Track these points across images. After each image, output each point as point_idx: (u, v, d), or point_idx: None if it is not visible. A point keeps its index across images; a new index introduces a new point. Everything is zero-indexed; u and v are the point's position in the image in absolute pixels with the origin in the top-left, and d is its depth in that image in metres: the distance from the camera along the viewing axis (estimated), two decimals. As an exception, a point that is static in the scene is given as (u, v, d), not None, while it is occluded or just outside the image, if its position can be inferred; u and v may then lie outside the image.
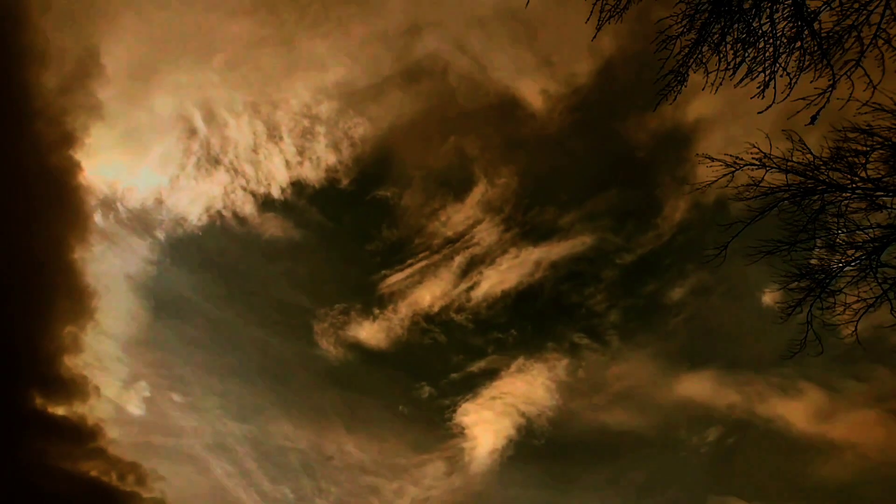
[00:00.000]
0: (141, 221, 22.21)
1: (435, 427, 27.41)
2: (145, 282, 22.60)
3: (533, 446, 27.62)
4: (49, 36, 19.56)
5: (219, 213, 23.10)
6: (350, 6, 21.89)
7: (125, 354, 22.82)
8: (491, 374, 27.96)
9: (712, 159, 6.77)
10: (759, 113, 4.33)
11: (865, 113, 5.98)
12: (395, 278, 26.42)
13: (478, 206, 26.27)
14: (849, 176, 6.11)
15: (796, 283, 6.99)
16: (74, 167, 20.86)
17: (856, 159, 6.27)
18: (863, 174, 6.14)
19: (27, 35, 19.28)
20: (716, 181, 6.59)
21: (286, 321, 26.58)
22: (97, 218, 21.62)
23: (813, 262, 6.87)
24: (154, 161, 22.06)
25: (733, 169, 6.58)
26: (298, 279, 26.71)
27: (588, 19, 4.83)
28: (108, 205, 21.71)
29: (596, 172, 26.68)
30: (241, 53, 21.91)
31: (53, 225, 20.23)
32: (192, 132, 21.96)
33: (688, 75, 4.55)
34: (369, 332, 26.50)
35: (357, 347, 26.69)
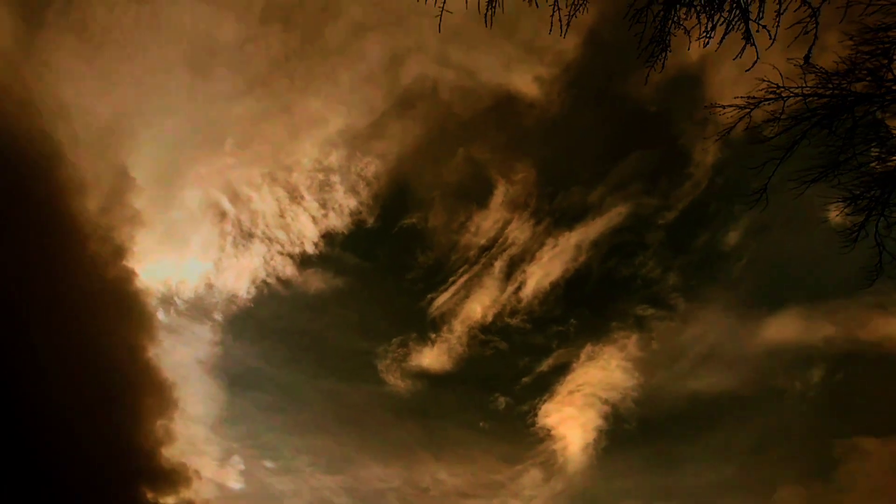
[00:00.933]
0: (198, 308, 23.55)
1: (520, 436, 27.08)
2: (215, 362, 23.85)
3: (625, 431, 26.71)
4: (83, 166, 21.26)
5: (264, 281, 24.13)
6: (330, 59, 22.61)
7: (214, 434, 24.04)
8: (562, 370, 27.39)
9: (723, 107, 6.49)
10: (746, 71, 4.15)
11: (874, 12, 5.57)
12: (442, 299, 26.57)
13: (503, 208, 26.13)
14: (874, 83, 5.70)
15: (852, 205, 6.53)
16: (131, 275, 22.45)
17: (878, 62, 5.84)
18: (889, 76, 5.71)
19: (64, 170, 21.07)
20: (733, 126, 6.31)
21: (350, 367, 27.21)
22: (160, 315, 23.10)
23: (864, 179, 6.41)
24: (196, 250, 23.40)
25: (748, 109, 6.28)
26: (351, 324, 27.33)
27: (553, 13, 4.82)
28: (167, 301, 23.17)
29: (611, 140, 26.01)
30: (248, 131, 23.03)
31: (125, 332, 21.79)
32: (223, 215, 23.17)
33: (669, 41, 4.42)
34: (431, 358, 26.68)
35: (423, 375, 26.91)
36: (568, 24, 4.44)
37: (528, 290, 26.85)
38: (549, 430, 27.08)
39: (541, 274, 26.90)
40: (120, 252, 21.99)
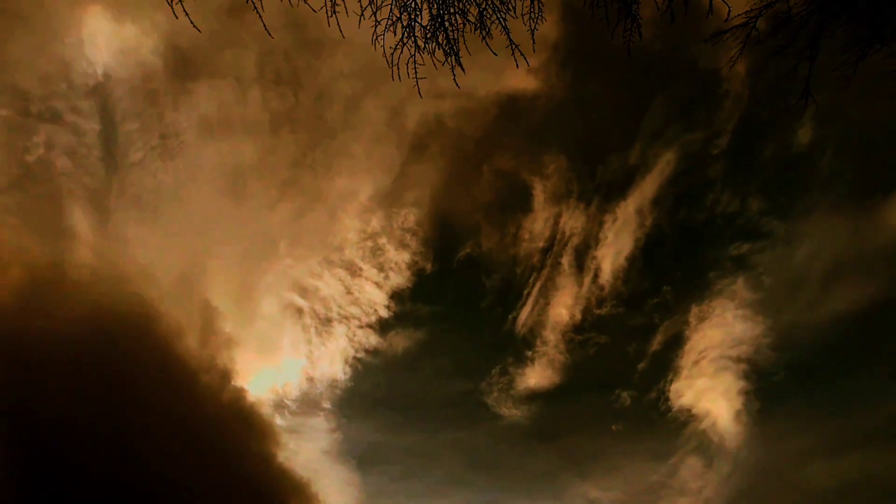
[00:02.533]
0: (307, 403, 24.71)
1: (660, 427, 25.17)
2: (339, 449, 24.69)
3: (775, 384, 23.94)
4: (174, 312, 23.52)
5: (354, 358, 24.93)
6: (339, 138, 23.82)
7: (360, 517, 24.60)
8: (676, 342, 25.42)
9: (724, 32, 5.96)
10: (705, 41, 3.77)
11: None
12: (524, 315, 25.96)
13: (548, 204, 25.44)
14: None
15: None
16: (241, 393, 24.14)
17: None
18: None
19: (163, 322, 23.41)
20: (741, 51, 5.75)
21: (461, 411, 27.00)
22: (278, 420, 24.49)
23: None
24: (289, 351, 24.78)
25: (751, 25, 5.71)
26: (447, 370, 27.35)
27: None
28: (280, 405, 24.57)
29: (628, 95, 24.75)
30: (294, 230, 24.51)
31: (252, 445, 23.26)
32: (299, 311, 24.49)
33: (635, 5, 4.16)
34: (536, 376, 25.90)
35: (535, 396, 26.10)
36: (533, 41, 4.34)
37: (606, 274, 25.58)
38: (689, 411, 24.90)
39: (612, 253, 25.60)
40: (226, 375, 23.79)
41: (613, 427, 25.96)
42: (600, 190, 25.48)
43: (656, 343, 25.65)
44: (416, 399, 27.07)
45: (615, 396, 25.90)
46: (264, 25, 4.75)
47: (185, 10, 4.65)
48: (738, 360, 24.27)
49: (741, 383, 24.14)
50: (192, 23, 4.64)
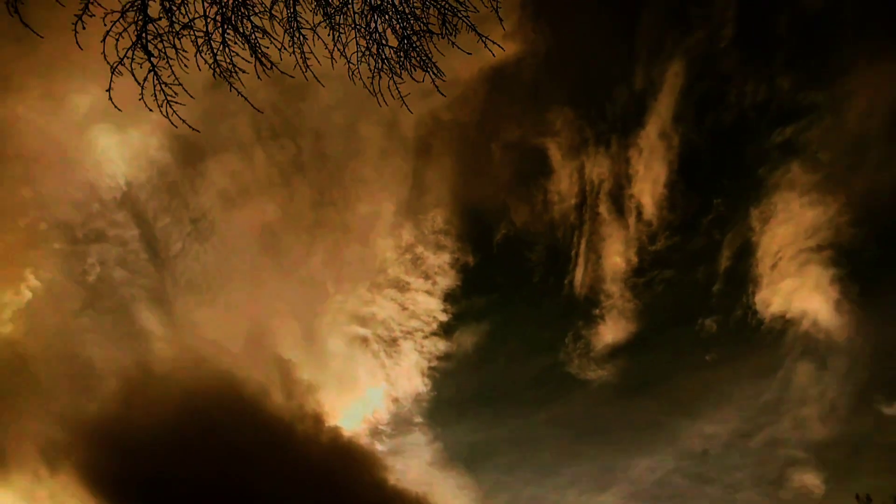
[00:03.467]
0: (400, 424, 25.42)
1: (757, 343, 24.14)
2: (444, 457, 25.30)
3: (868, 259, 22.13)
4: (256, 376, 24.76)
5: (429, 368, 25.41)
6: (350, 166, 24.26)
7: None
8: (746, 252, 24.22)
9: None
10: None
11: None
12: (578, 275, 25.56)
13: (566, 160, 24.89)
14: None
15: None
16: (337, 431, 25.14)
17: None
18: None
19: (249, 387, 24.73)
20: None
21: (550, 387, 26.95)
22: (378, 447, 25.42)
23: None
24: (367, 380, 25.57)
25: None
26: (521, 352, 27.36)
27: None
28: (375, 433, 25.40)
29: (611, 24, 23.74)
30: (334, 265, 25.25)
31: (363, 477, 24.21)
32: (364, 340, 25.21)
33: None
34: (610, 331, 25.47)
35: (616, 351, 25.68)
36: (500, 19, 4.31)
37: (649, 208, 24.76)
38: (783, 318, 23.60)
39: (649, 186, 24.75)
40: (318, 419, 24.83)
41: (707, 358, 25.13)
42: (615, 127, 24.67)
43: (724, 260, 24.57)
44: (500, 389, 27.28)
45: (699, 327, 25.05)
46: (252, 105, 4.96)
47: (180, 118, 4.92)
48: (820, 248, 22.75)
49: (831, 271, 22.60)
50: (190, 127, 4.90)
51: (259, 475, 23.07)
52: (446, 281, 24.84)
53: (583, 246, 25.52)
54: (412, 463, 25.51)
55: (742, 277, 24.18)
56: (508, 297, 26.83)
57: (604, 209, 25.19)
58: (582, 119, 24.51)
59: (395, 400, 25.52)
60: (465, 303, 25.67)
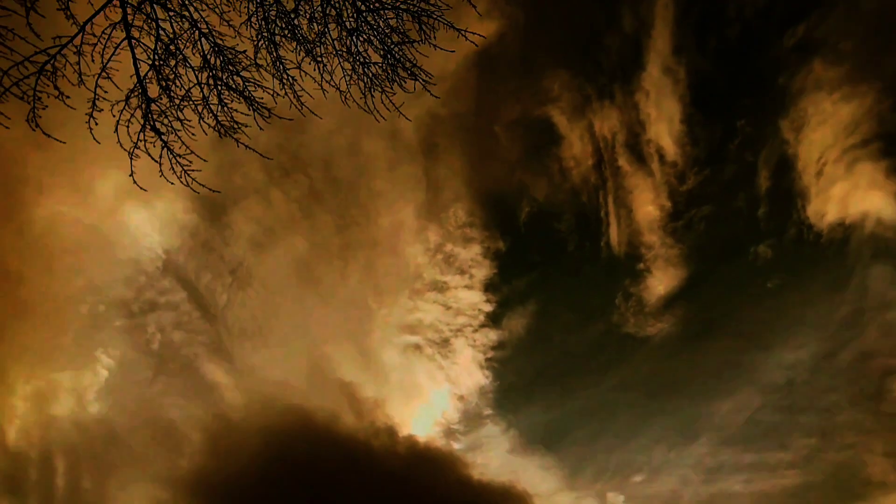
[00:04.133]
0: (471, 419, 25.68)
1: (819, 258, 22.77)
2: (520, 442, 25.37)
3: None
4: (327, 405, 25.54)
5: (487, 360, 25.50)
6: (359, 183, 24.64)
7: (575, 490, 24.96)
8: (784, 167, 22.80)
9: None
10: None
11: None
12: (613, 234, 24.98)
13: (574, 122, 24.29)
14: None
15: None
16: (412, 439, 25.63)
17: None
18: None
19: (318, 416, 25.53)
20: None
21: (610, 352, 26.48)
22: (456, 446, 25.68)
23: None
24: (429, 384, 25.92)
25: None
26: (573, 323, 26.96)
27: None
28: (449, 434, 25.73)
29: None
30: (371, 281, 25.72)
31: (448, 478, 24.59)
32: (417, 347, 25.56)
33: None
34: (659, 282, 24.77)
35: (670, 301, 24.96)
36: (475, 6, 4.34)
37: (670, 148, 23.90)
38: (842, 225, 22.03)
39: (664, 126, 23.89)
40: (391, 432, 25.37)
41: (769, 285, 24.02)
42: (615, 76, 23.95)
43: (763, 181, 23.37)
44: (561, 364, 27.05)
45: (752, 256, 23.97)
46: (260, 154, 5.17)
47: (199, 184, 5.20)
48: (865, 143, 21.20)
49: (884, 163, 20.94)
50: (210, 189, 5.16)
51: (347, 497, 23.79)
52: (482, 272, 24.85)
53: (611, 204, 24.92)
54: (492, 455, 25.70)
55: (787, 194, 22.92)
56: (547, 272, 26.53)
57: (623, 162, 24.51)
58: (578, 77, 23.92)
59: (461, 398, 25.75)
60: (505, 289, 25.60)
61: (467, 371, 25.30)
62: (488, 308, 25.07)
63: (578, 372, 27.00)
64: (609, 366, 26.65)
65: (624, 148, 24.26)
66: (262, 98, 5.20)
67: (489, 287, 24.94)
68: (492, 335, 25.27)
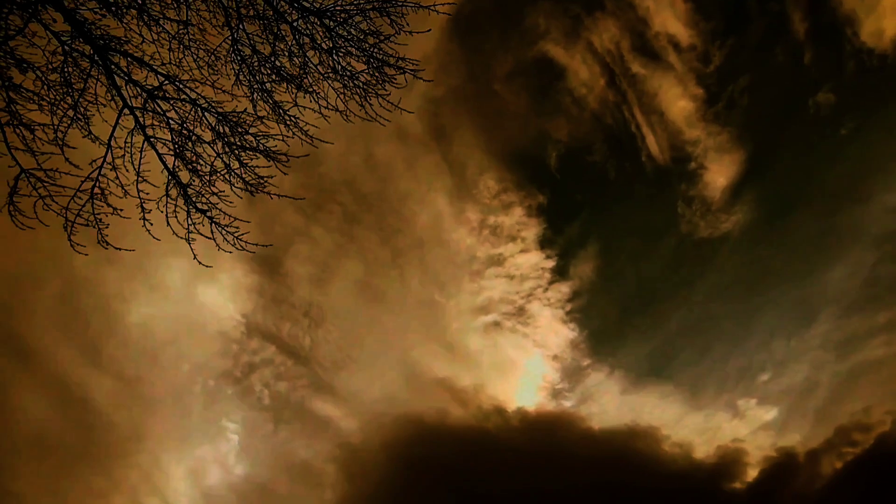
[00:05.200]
0: (572, 374, 25.18)
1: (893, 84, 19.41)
2: (628, 381, 24.54)
3: None
4: (429, 404, 26.14)
5: (566, 313, 24.82)
6: (390, 191, 24.99)
7: (700, 411, 23.61)
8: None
9: None
10: None
11: None
12: (651, 144, 23.02)
13: (568, 51, 22.51)
14: None
15: None
16: (522, 411, 25.50)
17: None
18: None
19: (427, 418, 26.21)
20: None
21: (696, 260, 24.44)
22: (566, 404, 25.25)
23: None
24: (521, 355, 25.73)
25: None
26: (640, 248, 25.37)
27: None
28: (556, 395, 25.43)
29: None
30: (430, 278, 26.02)
31: (569, 436, 24.25)
32: (496, 324, 25.48)
33: None
34: (717, 173, 22.38)
35: (736, 187, 22.50)
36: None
37: (682, 32, 21.45)
38: None
39: (668, 12, 21.56)
40: (501, 410, 25.43)
41: (843, 132, 20.83)
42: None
43: (798, 24, 20.35)
44: (643, 293, 25.52)
45: (813, 107, 20.91)
46: (293, 198, 5.34)
47: (252, 244, 5.49)
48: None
49: None
50: (262, 245, 5.43)
51: (480, 480, 24.20)
52: (532, 231, 24.14)
53: (638, 115, 22.99)
54: (605, 401, 24.97)
55: (831, 28, 19.64)
56: (596, 207, 25.08)
57: (637, 67, 22.47)
58: (561, 0, 22.38)
59: (555, 357, 25.21)
60: (560, 239, 24.64)
61: (552, 330, 24.74)
62: (550, 264, 24.32)
63: (663, 295, 25.33)
64: (693, 278, 24.64)
65: (633, 53, 22.28)
66: (276, 146, 5.38)
67: (544, 243, 24.16)
68: (563, 288, 24.50)
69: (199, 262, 5.98)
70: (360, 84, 4.99)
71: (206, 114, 5.07)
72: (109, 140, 5.03)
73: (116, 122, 4.95)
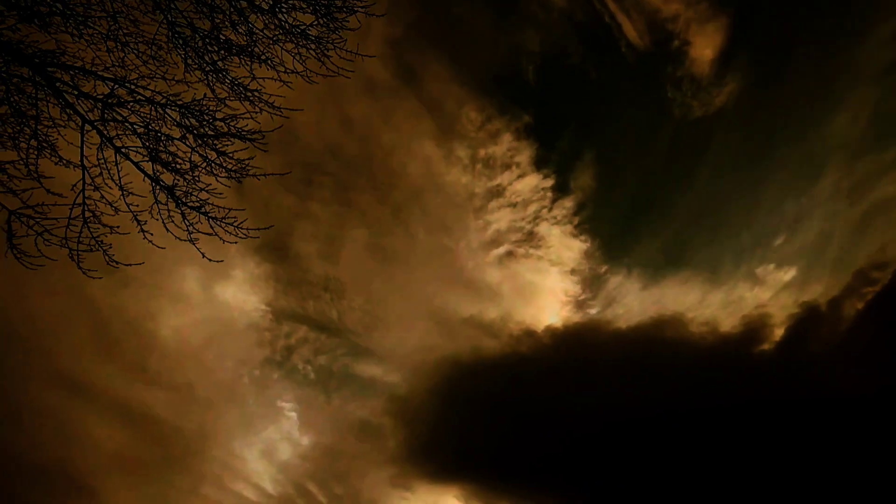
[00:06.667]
0: (592, 283, 25.51)
1: None
2: (647, 276, 24.71)
3: None
4: (463, 346, 27.00)
5: (575, 227, 24.60)
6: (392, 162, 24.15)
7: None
8: None
9: None
10: None
11: None
12: (628, 31, 21.24)
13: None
14: None
15: None
16: (550, 329, 26.16)
17: None
18: None
19: (463, 358, 27.21)
20: None
21: (697, 138, 23.26)
22: (592, 312, 25.85)
23: None
24: (540, 277, 25.88)
25: None
26: (638, 141, 24.28)
27: None
28: (580, 306, 25.92)
29: None
30: (442, 227, 25.81)
31: (603, 342, 25.03)
32: (509, 254, 25.38)
33: None
34: (705, 43, 20.45)
35: (727, 54, 20.80)
36: None
37: None
38: None
39: None
40: (530, 332, 26.02)
41: None
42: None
43: None
44: (647, 188, 24.63)
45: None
46: (279, 174, 5.18)
47: (253, 230, 5.44)
48: None
49: None
50: (263, 228, 5.37)
51: (527, 403, 25.50)
52: (524, 154, 23.37)
53: (610, 3, 21.03)
54: (629, 300, 25.46)
55: None
56: (584, 114, 23.75)
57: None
58: None
59: (573, 271, 25.43)
60: (553, 155, 23.79)
61: (564, 246, 24.77)
62: (549, 183, 23.74)
63: (667, 184, 24.58)
64: (695, 160, 23.67)
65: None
66: (247, 126, 5.15)
67: (539, 164, 23.41)
68: (567, 203, 24.10)
69: (209, 259, 5.99)
70: (313, 39, 4.63)
71: (166, 110, 4.83)
72: (81, 161, 4.88)
73: (82, 141, 4.77)
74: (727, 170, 23.85)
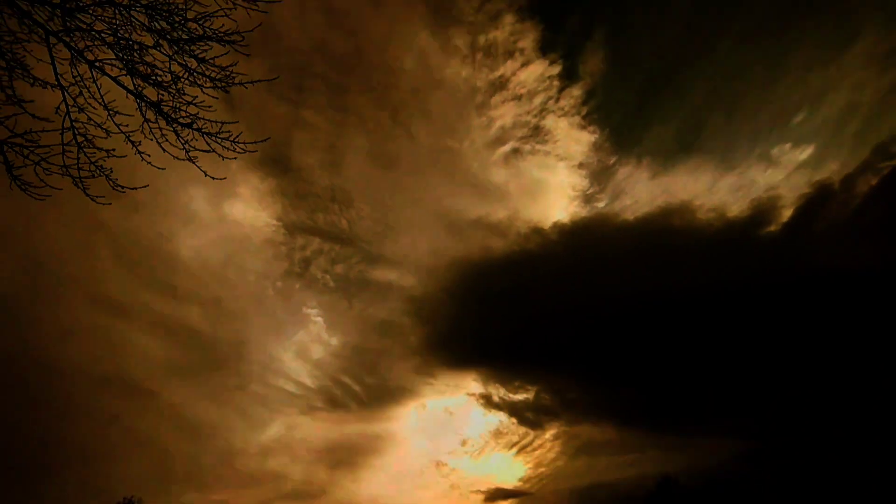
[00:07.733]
0: (601, 175, 24.34)
1: None
2: (655, 163, 23.37)
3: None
4: (474, 246, 26.97)
5: (583, 118, 22.91)
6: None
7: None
8: None
9: None
10: None
11: None
12: None
13: None
14: None
15: None
16: (558, 224, 25.56)
17: None
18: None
19: (476, 256, 27.30)
20: None
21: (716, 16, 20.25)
22: (600, 205, 24.89)
23: None
24: (547, 172, 25.03)
25: None
26: (656, 13, 21.23)
27: None
28: (588, 200, 25.11)
29: None
30: (447, 128, 24.50)
31: (604, 233, 24.49)
32: (515, 151, 24.30)
33: None
34: None
35: None
36: None
37: None
38: None
39: None
40: (537, 229, 25.85)
41: None
42: None
43: None
44: (661, 63, 23.01)
45: None
46: (268, 80, 4.75)
47: (251, 143, 5.15)
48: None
49: None
50: (262, 140, 5.08)
51: (543, 296, 26.01)
52: (529, 37, 21.18)
53: None
54: (637, 190, 24.72)
55: None
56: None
57: None
58: None
59: (580, 164, 24.39)
60: (561, 37, 21.53)
61: (572, 139, 23.37)
62: (556, 69, 21.74)
63: (684, 61, 22.22)
64: (716, 29, 21.02)
65: None
66: (224, 26, 4.62)
67: (545, 48, 21.25)
68: (575, 92, 22.26)
69: (212, 178, 5.81)
70: None
71: (132, 12, 4.34)
72: (57, 79, 4.55)
73: (51, 56, 4.40)
74: (752, 38, 21.28)
